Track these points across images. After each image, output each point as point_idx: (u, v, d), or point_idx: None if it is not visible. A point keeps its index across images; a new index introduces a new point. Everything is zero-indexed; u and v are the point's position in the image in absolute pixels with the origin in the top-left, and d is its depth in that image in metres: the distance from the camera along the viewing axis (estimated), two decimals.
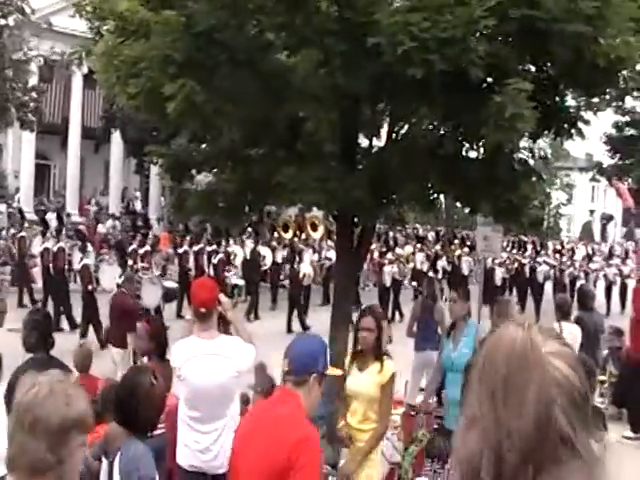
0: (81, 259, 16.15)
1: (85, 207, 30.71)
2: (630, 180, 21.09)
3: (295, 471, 2.93)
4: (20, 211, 26.75)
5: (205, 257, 20.97)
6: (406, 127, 7.92)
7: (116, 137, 29.19)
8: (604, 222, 67.49)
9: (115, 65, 6.73)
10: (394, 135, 8.08)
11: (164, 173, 9.29)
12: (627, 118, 21.15)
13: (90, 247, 20.22)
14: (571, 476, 1.22)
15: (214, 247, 21.75)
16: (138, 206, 33.63)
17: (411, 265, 23.20)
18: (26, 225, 22.95)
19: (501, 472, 1.20)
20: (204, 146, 8.68)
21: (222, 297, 4.98)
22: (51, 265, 16.78)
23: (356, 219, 7.88)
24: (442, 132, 7.68)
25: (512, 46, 5.95)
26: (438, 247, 29.02)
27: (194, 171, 8.80)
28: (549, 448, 1.21)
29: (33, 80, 24.91)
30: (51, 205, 30.18)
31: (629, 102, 19.58)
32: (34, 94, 23.81)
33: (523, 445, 1.20)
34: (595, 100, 7.51)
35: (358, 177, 7.06)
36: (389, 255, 22.60)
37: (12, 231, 22.64)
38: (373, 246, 24.51)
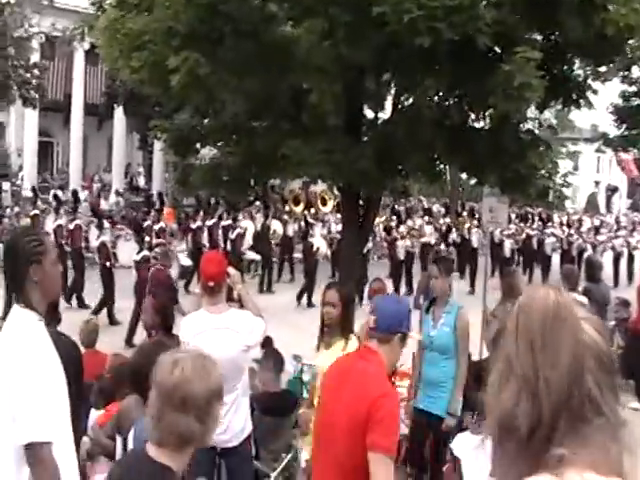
0: (98, 236, 16.16)
1: (87, 184, 30.65)
2: (636, 151, 20.92)
3: (373, 423, 3.16)
4: (34, 189, 26.76)
5: (220, 232, 20.85)
6: (411, 98, 7.83)
7: (119, 113, 29.06)
8: (609, 194, 67.27)
9: (118, 39, 6.67)
10: (399, 106, 8.00)
11: (168, 148, 9.23)
12: (634, 88, 20.93)
13: (107, 224, 20.23)
14: (595, 434, 1.25)
15: (229, 222, 21.45)
16: (141, 182, 33.58)
17: (423, 239, 23.03)
18: (39, 203, 22.99)
19: (538, 424, 1.24)
20: (207, 120, 8.61)
21: (231, 270, 4.95)
22: (67, 242, 16.66)
23: (362, 191, 7.84)
24: (448, 102, 7.58)
25: (520, 14, 5.84)
26: (448, 220, 28.88)
27: (198, 145, 8.75)
28: (578, 405, 1.25)
29: (35, 57, 24.80)
30: (55, 182, 30.19)
31: (636, 72, 19.38)
32: (36, 71, 23.72)
33: (556, 398, 1.24)
34: (602, 69, 7.41)
35: (363, 149, 7.00)
36: (402, 228, 22.44)
37: (16, 209, 22.65)
38: (382, 219, 24.43)
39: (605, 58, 6.86)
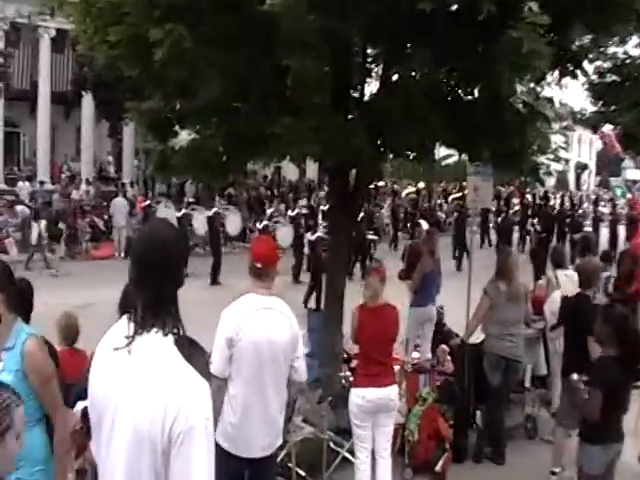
0: None
1: (56, 174, 29.93)
2: (618, 127, 20.81)
3: None
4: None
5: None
6: (402, 71, 7.48)
7: (87, 101, 28.39)
8: (578, 171, 67.88)
9: (92, 14, 6.23)
10: (388, 81, 7.66)
11: (145, 131, 8.78)
12: (609, 64, 20.81)
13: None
14: None
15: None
16: (111, 170, 33.00)
17: None
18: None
19: None
20: (185, 102, 8.17)
21: None
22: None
23: (353, 171, 7.54)
24: (439, 75, 7.24)
25: None
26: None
27: (177, 128, 8.32)
28: None
29: None
30: (22, 174, 29.43)
31: (611, 48, 19.24)
32: (0, 59, 22.99)
33: None
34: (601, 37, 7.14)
35: (356, 125, 6.67)
36: None
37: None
38: None
39: (604, 26, 6.59)
